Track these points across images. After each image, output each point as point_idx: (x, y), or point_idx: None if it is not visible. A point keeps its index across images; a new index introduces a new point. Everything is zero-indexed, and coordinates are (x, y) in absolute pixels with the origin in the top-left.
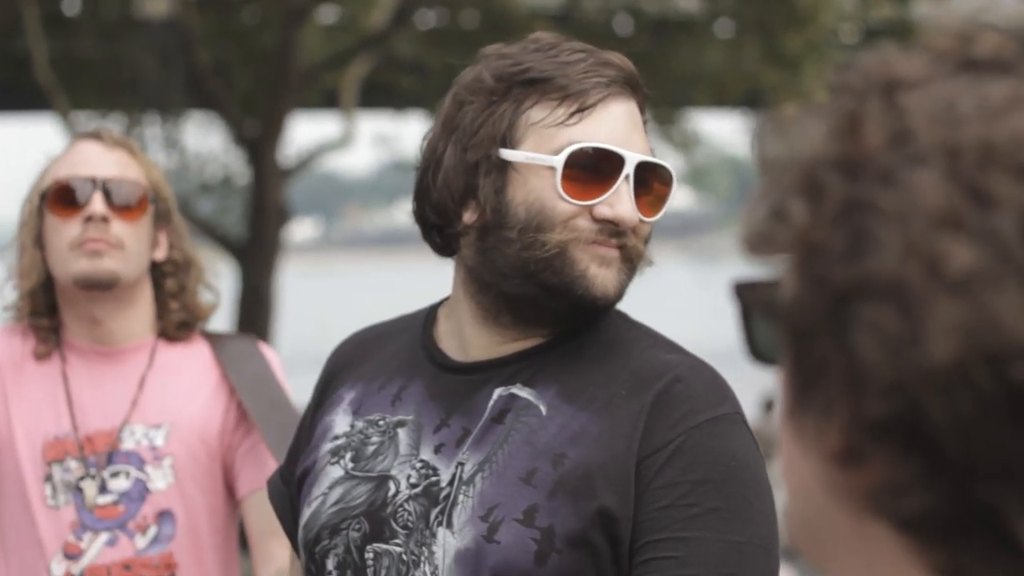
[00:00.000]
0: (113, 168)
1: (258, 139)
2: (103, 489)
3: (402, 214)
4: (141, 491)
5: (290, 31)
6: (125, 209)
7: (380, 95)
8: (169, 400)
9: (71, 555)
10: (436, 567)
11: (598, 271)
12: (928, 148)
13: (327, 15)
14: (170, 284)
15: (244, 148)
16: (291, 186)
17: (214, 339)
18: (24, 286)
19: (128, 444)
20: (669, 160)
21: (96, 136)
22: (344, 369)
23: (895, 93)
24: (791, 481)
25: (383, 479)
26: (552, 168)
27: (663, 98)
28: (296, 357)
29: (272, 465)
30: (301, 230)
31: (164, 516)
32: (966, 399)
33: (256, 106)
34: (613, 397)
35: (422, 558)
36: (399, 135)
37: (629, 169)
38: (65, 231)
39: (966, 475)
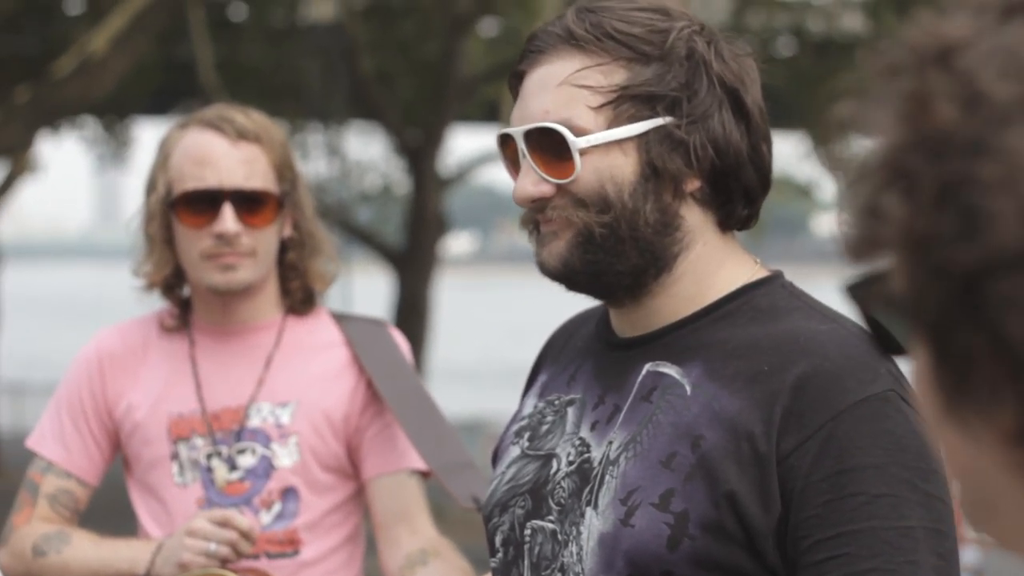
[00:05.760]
0: (240, 171)
1: (419, 149)
2: (232, 467)
3: None
4: (267, 468)
5: (453, 42)
6: (255, 218)
7: None
8: (296, 378)
9: None
10: (581, 548)
11: (539, 250)
12: (1006, 106)
13: (490, 27)
14: (291, 258)
15: (404, 157)
16: (449, 199)
17: (343, 320)
18: (155, 278)
19: (255, 421)
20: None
21: (217, 127)
22: (548, 354)
23: (950, 59)
24: (956, 466)
25: (549, 457)
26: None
27: (825, 119)
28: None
29: (402, 451)
30: (458, 243)
31: (288, 493)
32: None
33: (417, 116)
34: (756, 373)
35: (571, 538)
36: None
37: (520, 144)
38: (196, 241)
39: None
